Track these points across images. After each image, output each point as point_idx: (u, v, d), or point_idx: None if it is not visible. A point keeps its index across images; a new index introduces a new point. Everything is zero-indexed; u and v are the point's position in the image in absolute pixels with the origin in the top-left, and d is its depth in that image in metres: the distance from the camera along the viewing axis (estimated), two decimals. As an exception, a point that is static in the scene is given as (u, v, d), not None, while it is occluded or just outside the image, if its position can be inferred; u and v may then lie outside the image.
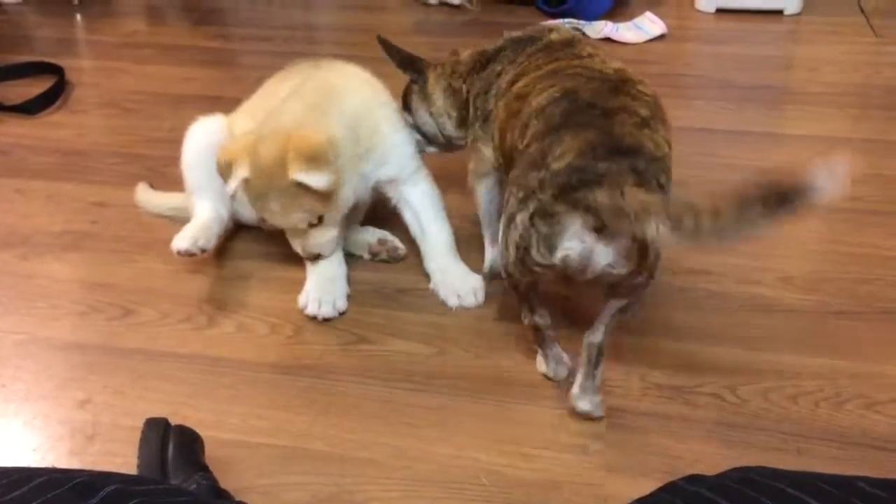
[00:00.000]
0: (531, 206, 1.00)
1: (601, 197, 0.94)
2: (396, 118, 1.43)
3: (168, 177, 1.71)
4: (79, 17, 2.68)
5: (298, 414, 1.19)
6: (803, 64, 2.24)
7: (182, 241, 1.41)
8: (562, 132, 1.02)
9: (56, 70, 2.20)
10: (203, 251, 1.42)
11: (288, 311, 1.39)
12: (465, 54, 1.40)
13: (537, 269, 1.04)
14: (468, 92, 1.36)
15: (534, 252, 1.02)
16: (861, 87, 2.10)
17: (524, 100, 1.15)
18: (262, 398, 1.22)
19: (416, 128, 1.46)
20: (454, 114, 1.40)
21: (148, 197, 1.65)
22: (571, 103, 1.06)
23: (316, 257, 1.35)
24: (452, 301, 1.40)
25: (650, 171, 0.98)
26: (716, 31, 2.48)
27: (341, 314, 1.38)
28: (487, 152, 1.32)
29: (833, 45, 2.34)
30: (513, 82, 1.23)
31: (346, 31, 2.64)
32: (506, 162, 1.22)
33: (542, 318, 1.17)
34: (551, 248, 1.00)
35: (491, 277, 1.42)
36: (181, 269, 1.49)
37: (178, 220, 1.53)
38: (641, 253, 1.00)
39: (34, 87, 2.11)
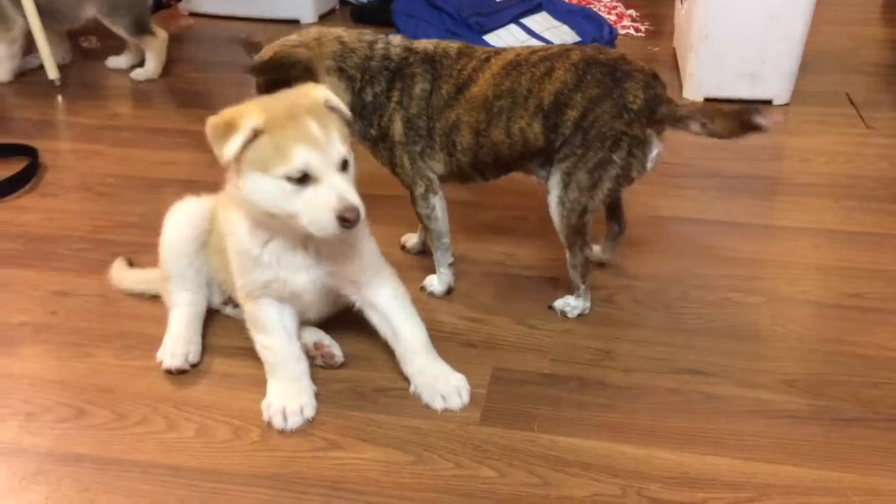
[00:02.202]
0: (624, 144, 1.35)
1: (667, 109, 1.36)
2: (366, 230, 1.32)
3: (137, 263, 1.64)
4: (60, 98, 2.64)
5: (259, 533, 1.08)
6: (794, 154, 2.21)
7: (174, 359, 1.37)
8: (621, 84, 1.34)
9: (29, 152, 2.14)
10: (194, 365, 1.39)
11: (253, 411, 1.29)
12: (350, 38, 1.44)
13: (627, 186, 1.42)
14: (383, 105, 1.44)
15: (633, 173, 1.39)
16: (854, 179, 2.05)
17: (513, 94, 1.39)
18: (220, 514, 1.11)
19: None
20: (345, 97, 1.42)
21: (122, 275, 1.60)
22: (601, 65, 1.36)
23: (355, 218, 1.12)
24: (438, 404, 1.31)
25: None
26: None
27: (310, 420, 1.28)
28: (438, 167, 1.48)
29: (823, 135, 2.31)
30: (460, 89, 1.42)
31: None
32: (481, 154, 1.44)
33: (590, 251, 1.50)
34: (644, 164, 1.39)
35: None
36: (140, 365, 1.39)
37: (148, 294, 1.55)
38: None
39: (5, 170, 2.04)
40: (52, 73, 2.70)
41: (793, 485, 1.15)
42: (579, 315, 1.52)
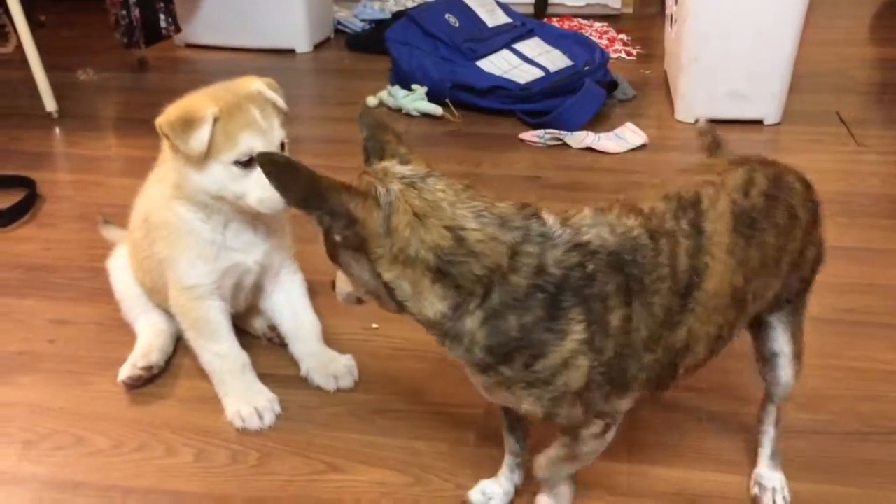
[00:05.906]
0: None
1: None
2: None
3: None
4: (58, 130, 2.66)
5: (257, 557, 1.08)
6: (786, 173, 2.22)
7: (123, 370, 1.40)
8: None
9: (28, 183, 2.15)
10: (149, 369, 1.40)
11: (251, 435, 1.29)
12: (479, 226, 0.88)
13: None
14: (544, 343, 0.89)
15: None
16: (846, 196, 2.07)
17: (765, 262, 1.02)
18: (219, 538, 1.11)
19: None
20: (440, 308, 0.92)
21: (107, 233, 1.70)
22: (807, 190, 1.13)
23: None
24: (330, 384, 1.40)
25: None
26: (696, 140, 2.46)
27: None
28: (623, 404, 1.00)
29: (815, 153, 2.34)
30: (687, 291, 0.96)
31: (327, 142, 2.62)
32: (699, 363, 1.05)
33: None
34: None
35: None
36: (138, 392, 1.40)
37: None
38: None
39: (3, 201, 2.05)
40: (50, 104, 2.72)
41: (792, 500, 1.15)
42: None
